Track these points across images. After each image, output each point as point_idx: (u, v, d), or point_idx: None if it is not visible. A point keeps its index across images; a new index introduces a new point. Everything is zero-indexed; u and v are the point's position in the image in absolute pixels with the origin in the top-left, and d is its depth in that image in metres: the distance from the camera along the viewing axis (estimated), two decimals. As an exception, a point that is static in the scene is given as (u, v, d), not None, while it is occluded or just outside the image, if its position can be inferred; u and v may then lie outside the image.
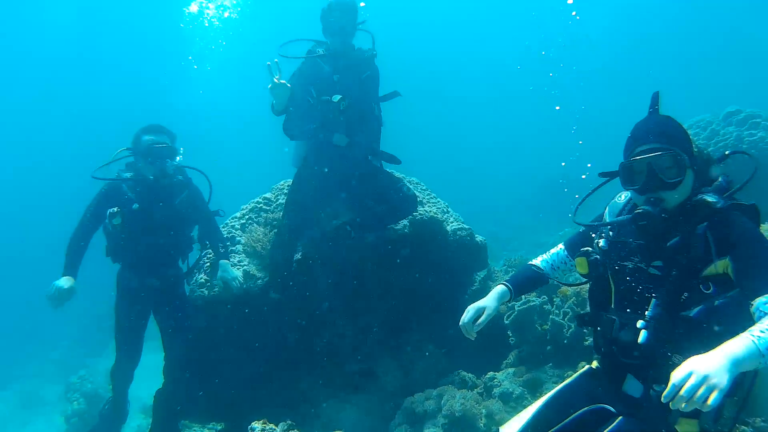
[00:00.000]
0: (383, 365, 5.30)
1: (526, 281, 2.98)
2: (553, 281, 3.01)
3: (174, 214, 4.90)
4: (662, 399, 1.82)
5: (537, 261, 3.04)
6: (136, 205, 4.67)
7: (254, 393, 5.29)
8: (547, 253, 3.04)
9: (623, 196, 2.65)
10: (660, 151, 2.29)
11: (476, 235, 6.01)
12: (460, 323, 2.80)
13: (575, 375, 2.77)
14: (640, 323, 2.29)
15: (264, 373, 5.34)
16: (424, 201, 5.90)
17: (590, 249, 2.59)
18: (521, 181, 20.06)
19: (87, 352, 13.06)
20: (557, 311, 4.79)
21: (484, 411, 4.23)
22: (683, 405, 1.77)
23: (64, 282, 4.51)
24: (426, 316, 5.59)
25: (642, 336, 2.27)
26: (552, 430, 2.45)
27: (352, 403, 5.13)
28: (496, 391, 4.61)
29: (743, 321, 2.07)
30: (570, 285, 3.25)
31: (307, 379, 5.29)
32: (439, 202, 6.11)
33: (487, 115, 33.15)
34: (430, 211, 5.72)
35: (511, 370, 4.84)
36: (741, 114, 7.90)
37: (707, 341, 2.07)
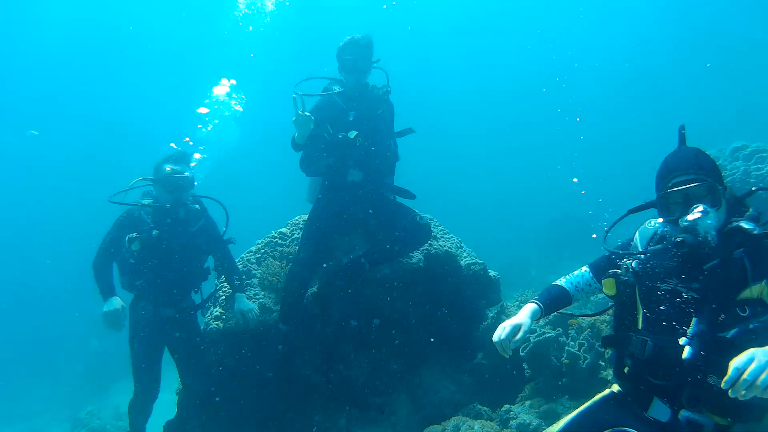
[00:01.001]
0: (397, 399, 5.29)
1: (555, 300, 3.01)
2: (575, 302, 3.04)
3: (191, 242, 5.00)
4: (722, 385, 1.90)
5: (561, 281, 3.07)
6: (156, 231, 4.76)
7: (266, 426, 5.28)
8: (570, 274, 3.08)
9: (653, 222, 2.75)
10: (696, 181, 2.40)
11: (489, 270, 6.06)
12: (497, 340, 2.77)
13: (596, 398, 2.80)
14: (683, 340, 2.33)
15: (277, 407, 5.33)
16: (438, 236, 5.98)
17: (619, 271, 2.67)
18: (529, 221, 20.13)
19: (93, 390, 13.04)
20: (573, 343, 4.82)
21: (501, 442, 4.22)
22: (743, 392, 1.82)
23: (112, 303, 4.61)
24: (440, 350, 5.60)
25: (687, 352, 2.30)
26: None
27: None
28: (512, 423, 4.61)
29: None
30: (588, 316, 3.30)
31: (321, 413, 5.28)
32: (452, 237, 6.18)
33: (496, 156, 33.39)
34: (444, 246, 5.79)
35: (527, 402, 4.84)
36: (747, 149, 8.02)
37: None
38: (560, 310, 3.13)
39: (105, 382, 12.34)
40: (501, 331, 2.78)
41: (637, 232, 2.79)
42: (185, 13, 28.36)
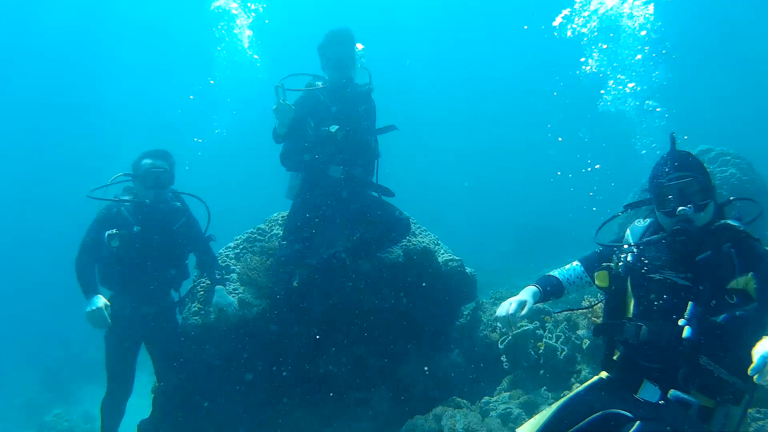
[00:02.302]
0: (378, 394, 5.32)
1: (552, 287, 3.13)
2: (566, 294, 3.17)
3: (172, 240, 4.93)
4: (749, 372, 2.06)
5: (554, 272, 3.20)
6: (136, 228, 4.69)
7: (246, 422, 5.24)
8: (561, 268, 3.22)
9: (642, 221, 2.96)
10: (689, 177, 2.61)
11: (466, 267, 6.14)
12: (503, 314, 2.89)
13: (585, 384, 2.90)
14: (682, 321, 2.49)
15: (257, 402, 5.31)
16: (416, 233, 6.04)
17: (612, 264, 2.85)
18: (500, 225, 20.39)
19: (57, 394, 12.69)
20: (550, 335, 4.93)
21: (485, 429, 4.28)
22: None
23: (96, 302, 4.44)
24: (419, 345, 5.65)
25: (687, 331, 2.45)
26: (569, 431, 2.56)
27: None
28: (493, 413, 4.68)
29: (759, 332, 2.35)
30: (578, 309, 3.41)
31: (301, 408, 5.27)
32: (429, 234, 6.25)
33: (473, 157, 33.61)
34: (423, 242, 5.86)
35: (506, 394, 4.92)
36: (712, 152, 8.36)
37: (730, 346, 2.40)
38: (557, 302, 3.26)
39: (70, 387, 12.07)
40: (507, 306, 2.89)
41: (628, 230, 2.97)
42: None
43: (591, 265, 3.09)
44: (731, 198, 2.82)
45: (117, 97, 31.55)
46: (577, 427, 2.55)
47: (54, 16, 27.45)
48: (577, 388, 2.86)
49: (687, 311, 2.49)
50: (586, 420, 2.55)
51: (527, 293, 3.01)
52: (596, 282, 2.92)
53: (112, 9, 28.06)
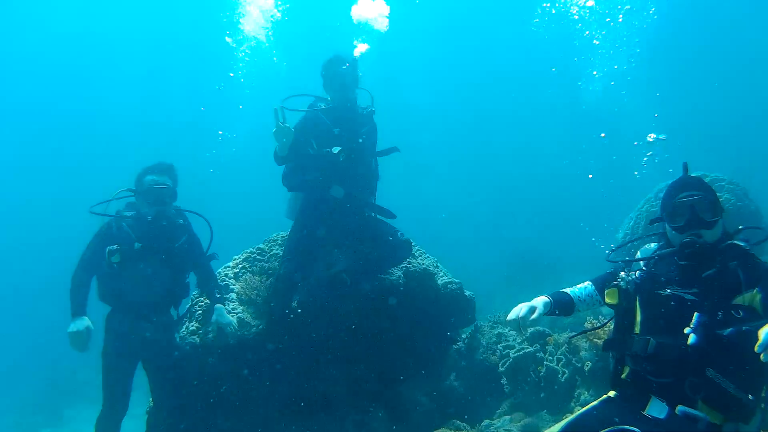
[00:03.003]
0: (375, 416, 5.28)
1: (563, 301, 3.18)
2: (576, 312, 3.22)
3: (173, 257, 4.91)
4: (756, 349, 2.10)
5: (566, 290, 3.26)
6: (138, 244, 4.66)
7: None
8: (573, 287, 3.28)
9: (652, 244, 3.06)
10: (700, 195, 2.76)
11: (465, 290, 6.14)
12: (514, 317, 2.96)
13: (594, 402, 2.91)
14: (687, 329, 2.54)
15: (253, 422, 5.25)
16: (416, 255, 6.05)
17: (621, 282, 2.94)
18: (494, 251, 20.37)
19: (44, 419, 12.46)
20: (551, 358, 4.92)
21: (486, 454, 4.26)
22: None
23: (79, 324, 4.45)
24: (417, 367, 5.62)
25: (692, 339, 2.52)
26: None
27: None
28: (494, 436, 4.66)
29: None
30: (592, 330, 3.45)
31: (298, 430, 5.22)
32: (429, 257, 6.26)
33: (474, 182, 33.64)
34: (423, 264, 5.87)
35: (506, 417, 4.91)
36: (707, 178, 8.40)
37: (737, 361, 2.43)
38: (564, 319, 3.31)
39: (59, 408, 11.87)
40: (518, 310, 2.97)
41: (639, 252, 3.08)
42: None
43: (602, 285, 3.16)
44: (740, 227, 2.91)
45: (122, 101, 31.35)
46: None
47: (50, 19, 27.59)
48: (586, 407, 2.87)
49: (693, 321, 2.56)
50: None
51: (538, 301, 3.08)
52: (606, 300, 3.02)
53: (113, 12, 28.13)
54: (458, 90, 33.54)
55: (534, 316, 2.98)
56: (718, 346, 2.49)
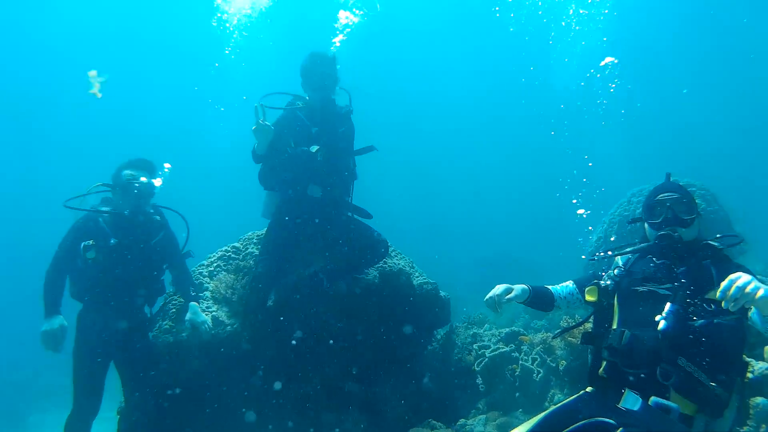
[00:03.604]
0: (350, 417, 5.26)
1: (542, 293, 3.31)
2: (557, 308, 3.31)
3: (149, 254, 4.84)
4: (717, 295, 2.26)
5: (547, 286, 3.37)
6: (113, 240, 4.58)
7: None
8: (557, 285, 3.40)
9: (629, 248, 3.21)
10: (678, 195, 2.98)
11: (440, 291, 6.16)
12: (489, 296, 3.12)
13: (571, 397, 2.96)
14: (659, 317, 2.65)
15: (227, 422, 5.19)
16: (392, 254, 6.05)
17: (601, 282, 3.09)
18: (468, 252, 20.49)
19: (5, 426, 12.09)
20: (526, 357, 4.96)
21: (462, 452, 4.27)
22: (733, 297, 2.19)
23: (54, 322, 4.35)
24: (392, 368, 5.62)
25: (662, 325, 2.62)
26: None
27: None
28: (469, 436, 4.67)
29: (736, 340, 2.58)
30: (573, 328, 3.52)
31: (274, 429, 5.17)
32: (405, 257, 6.27)
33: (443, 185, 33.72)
34: (398, 264, 5.87)
35: (482, 416, 4.91)
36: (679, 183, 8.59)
37: (709, 351, 2.54)
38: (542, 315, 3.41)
39: (20, 412, 11.55)
40: (494, 290, 3.13)
41: (618, 257, 3.21)
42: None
43: (583, 284, 3.29)
44: (718, 235, 3.05)
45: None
46: None
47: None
48: (563, 401, 2.92)
49: (665, 310, 2.67)
50: (571, 427, 2.61)
51: (516, 286, 3.22)
52: (586, 297, 3.15)
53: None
54: (435, 89, 33.68)
55: (510, 296, 3.12)
56: (688, 335, 2.59)
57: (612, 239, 8.84)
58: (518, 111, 31.90)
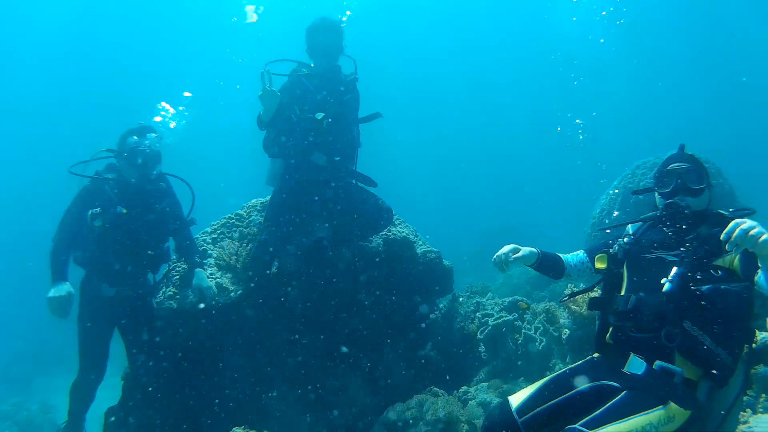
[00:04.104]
0: (353, 383, 5.30)
1: (551, 258, 3.33)
2: (567, 276, 3.32)
3: (156, 221, 4.83)
4: (722, 236, 2.30)
5: (557, 254, 3.39)
6: (120, 208, 4.57)
7: (216, 408, 5.16)
8: (568, 253, 3.43)
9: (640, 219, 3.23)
10: (688, 165, 2.99)
11: (444, 260, 6.16)
12: (497, 255, 3.14)
13: (578, 362, 2.99)
14: (664, 280, 2.68)
15: (231, 389, 5.24)
16: (396, 223, 6.04)
17: (610, 249, 3.14)
18: (467, 225, 20.51)
19: (9, 388, 12.24)
20: (529, 326, 4.98)
21: (464, 418, 4.30)
22: (735, 246, 2.26)
23: (61, 289, 4.34)
24: (394, 336, 5.64)
25: (667, 287, 2.65)
26: (558, 398, 2.66)
27: (325, 421, 5.09)
28: (471, 402, 4.70)
29: (743, 306, 2.58)
30: (582, 292, 3.54)
31: (276, 397, 5.22)
32: (408, 225, 6.26)
33: (452, 154, 33.60)
34: (402, 232, 5.87)
35: (484, 384, 4.95)
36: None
37: (713, 316, 2.55)
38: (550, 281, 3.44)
39: (26, 377, 11.67)
40: (502, 249, 3.15)
41: (629, 226, 3.24)
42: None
43: (593, 252, 3.32)
44: (731, 209, 3.02)
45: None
46: (566, 395, 2.69)
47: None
48: (569, 366, 2.97)
49: (671, 274, 2.70)
50: (576, 390, 2.69)
51: (524, 248, 3.24)
52: (596, 265, 3.19)
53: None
54: (442, 56, 33.34)
55: (517, 255, 3.14)
56: (694, 299, 2.61)
57: (615, 213, 8.82)
58: (523, 80, 31.73)
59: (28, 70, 29.34)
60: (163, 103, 5.28)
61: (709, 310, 2.57)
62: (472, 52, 32.14)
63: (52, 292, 4.36)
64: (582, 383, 2.69)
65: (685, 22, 27.25)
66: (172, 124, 4.89)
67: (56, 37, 27.78)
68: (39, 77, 29.28)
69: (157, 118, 4.97)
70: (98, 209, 4.51)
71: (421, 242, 6.17)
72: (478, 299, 6.26)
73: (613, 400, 2.49)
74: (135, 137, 4.66)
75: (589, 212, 9.88)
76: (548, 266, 3.31)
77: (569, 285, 4.69)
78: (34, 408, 9.05)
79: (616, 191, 9.04)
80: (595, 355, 3.01)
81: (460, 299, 6.40)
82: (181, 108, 4.87)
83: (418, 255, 5.91)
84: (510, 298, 5.81)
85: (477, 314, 5.65)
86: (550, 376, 2.89)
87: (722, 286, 2.59)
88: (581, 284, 3.93)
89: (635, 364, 2.70)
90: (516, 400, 2.80)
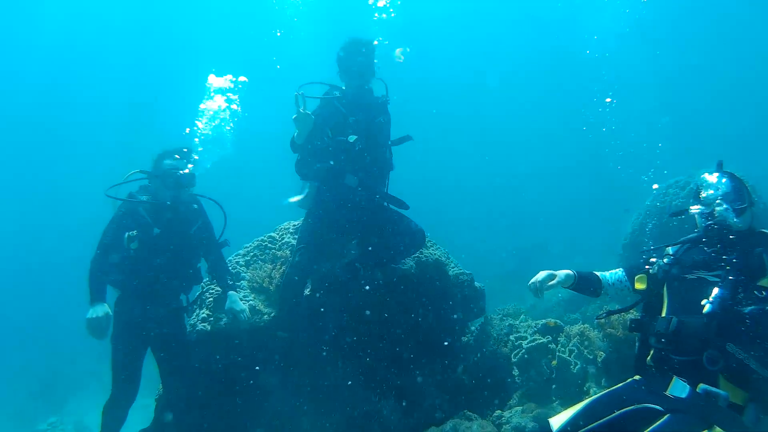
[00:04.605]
0: (386, 406, 5.27)
1: (588, 279, 3.31)
2: (604, 294, 3.27)
3: (189, 243, 4.90)
4: None
5: (595, 272, 3.36)
6: (157, 230, 4.64)
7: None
8: (606, 271, 3.40)
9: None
10: (729, 183, 2.96)
11: (476, 282, 6.14)
12: (532, 281, 3.20)
13: (619, 384, 2.95)
14: (704, 301, 2.66)
15: (263, 411, 5.25)
16: (428, 245, 6.04)
17: (650, 270, 3.11)
18: (500, 245, 20.32)
19: (45, 407, 12.41)
20: (563, 349, 4.92)
21: (500, 442, 4.26)
22: None
23: (98, 310, 4.40)
24: (427, 358, 5.62)
25: (708, 308, 2.63)
26: (600, 421, 2.63)
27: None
28: (506, 427, 4.65)
29: None
30: (618, 311, 3.50)
31: (308, 421, 5.21)
32: (440, 247, 6.25)
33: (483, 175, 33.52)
34: (435, 254, 5.86)
35: (518, 408, 4.89)
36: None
37: (758, 337, 2.43)
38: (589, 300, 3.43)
39: (61, 397, 11.82)
40: (537, 276, 3.20)
41: (669, 248, 3.21)
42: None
43: (633, 272, 3.29)
44: None
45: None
46: (608, 418, 2.65)
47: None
48: (610, 388, 2.94)
49: (713, 295, 2.68)
50: (618, 412, 2.65)
51: (560, 272, 3.26)
52: (636, 285, 3.16)
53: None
54: (469, 79, 33.40)
55: (552, 282, 3.18)
56: (737, 320, 2.57)
57: (648, 230, 8.72)
58: (551, 100, 31.56)
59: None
60: (212, 78, 5.34)
61: (753, 331, 2.52)
62: (503, 69, 32.20)
63: (91, 313, 4.42)
64: (624, 406, 2.66)
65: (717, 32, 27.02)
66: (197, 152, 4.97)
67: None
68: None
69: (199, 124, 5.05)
70: (134, 232, 4.58)
71: (453, 264, 6.15)
72: (511, 321, 6.21)
73: (656, 423, 2.46)
74: (170, 160, 4.74)
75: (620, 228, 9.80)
76: (585, 286, 3.31)
77: (605, 307, 4.65)
78: (69, 428, 9.17)
79: (649, 210, 8.94)
80: (636, 377, 2.97)
81: (493, 321, 6.35)
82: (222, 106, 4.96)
83: (450, 277, 5.90)
84: (543, 321, 5.75)
85: (510, 337, 5.60)
86: (591, 398, 2.86)
87: (766, 307, 2.55)
88: (616, 304, 3.89)
89: (678, 387, 2.67)
90: (557, 422, 2.78)
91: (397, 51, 5.46)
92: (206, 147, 5.27)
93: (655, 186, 9.21)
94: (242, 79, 5.12)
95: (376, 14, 6.22)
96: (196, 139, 5.10)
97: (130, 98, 31.02)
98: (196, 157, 4.88)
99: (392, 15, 6.22)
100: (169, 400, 5.21)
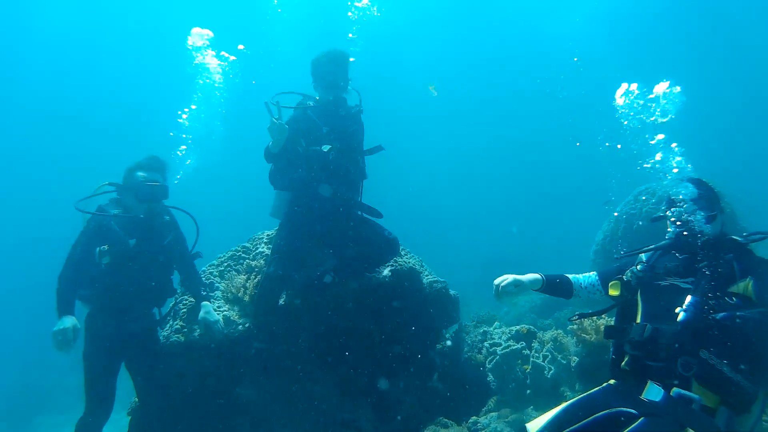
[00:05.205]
0: (363, 415, 5.27)
1: (558, 282, 3.37)
2: (576, 296, 3.30)
3: (162, 255, 4.84)
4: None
5: (567, 275, 3.40)
6: (131, 243, 4.57)
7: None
8: (579, 274, 3.45)
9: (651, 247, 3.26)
10: (699, 191, 3.03)
11: (450, 289, 6.17)
12: (497, 281, 3.27)
13: (595, 389, 3.00)
14: (678, 309, 2.71)
15: (240, 422, 5.20)
16: (402, 254, 6.06)
17: (624, 276, 3.14)
18: (473, 252, 20.49)
19: (11, 427, 12.10)
20: (537, 354, 4.97)
21: (476, 448, 4.28)
22: None
23: (66, 322, 4.30)
24: (402, 366, 5.63)
25: (682, 316, 2.68)
26: (576, 425, 2.66)
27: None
28: (482, 432, 4.68)
29: (763, 333, 2.56)
30: (591, 315, 3.53)
31: (287, 430, 5.18)
32: (414, 255, 6.28)
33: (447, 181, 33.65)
34: (409, 262, 5.88)
35: (494, 413, 4.93)
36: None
37: (731, 343, 2.55)
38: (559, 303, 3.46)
39: (27, 415, 11.53)
40: (502, 279, 3.27)
41: (642, 255, 3.27)
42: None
43: (606, 277, 3.34)
44: (744, 234, 3.07)
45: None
46: (584, 422, 2.67)
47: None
48: (586, 392, 2.97)
49: (686, 303, 2.73)
50: (593, 416, 2.67)
51: (528, 276, 3.32)
52: (610, 292, 3.19)
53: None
54: (440, 88, 33.48)
55: (519, 285, 3.26)
56: (710, 327, 2.61)
57: (618, 236, 8.84)
58: (522, 110, 31.90)
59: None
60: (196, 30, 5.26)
61: (726, 337, 2.57)
62: (471, 80, 32.46)
63: (58, 325, 4.32)
64: (599, 410, 2.69)
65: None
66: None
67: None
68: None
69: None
70: (106, 246, 4.50)
71: (427, 272, 6.18)
72: (485, 328, 6.26)
73: (631, 427, 2.49)
74: (143, 172, 4.68)
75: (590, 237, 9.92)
76: (556, 287, 3.36)
77: (576, 313, 4.70)
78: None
79: (620, 217, 9.07)
80: (611, 381, 3.02)
81: (467, 328, 6.40)
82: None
83: (424, 285, 5.92)
84: (517, 327, 5.80)
85: (485, 343, 5.65)
86: (567, 402, 2.89)
87: (738, 313, 2.61)
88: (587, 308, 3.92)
89: (653, 391, 2.71)
90: (533, 427, 2.81)
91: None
92: (195, 142, 5.22)
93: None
94: (232, 58, 5.07)
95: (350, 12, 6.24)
96: (184, 135, 5.02)
97: (119, 99, 30.75)
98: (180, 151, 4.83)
99: (376, 14, 6.25)
100: (143, 414, 5.15)
